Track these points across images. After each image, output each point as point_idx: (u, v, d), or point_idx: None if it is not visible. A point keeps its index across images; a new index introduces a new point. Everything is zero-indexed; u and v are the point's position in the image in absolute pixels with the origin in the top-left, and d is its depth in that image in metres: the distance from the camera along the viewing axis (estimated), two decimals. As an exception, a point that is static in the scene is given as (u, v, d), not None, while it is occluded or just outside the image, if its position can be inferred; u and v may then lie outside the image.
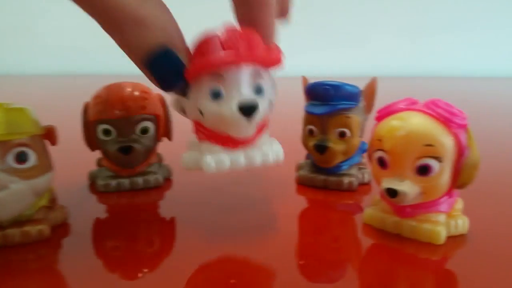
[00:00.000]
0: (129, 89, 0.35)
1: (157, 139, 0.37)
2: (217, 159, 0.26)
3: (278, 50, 0.26)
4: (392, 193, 0.26)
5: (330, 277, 0.24)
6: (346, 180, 0.36)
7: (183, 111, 0.27)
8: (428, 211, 0.27)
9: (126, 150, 0.34)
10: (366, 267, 0.25)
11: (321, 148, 0.35)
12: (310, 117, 0.36)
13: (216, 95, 0.25)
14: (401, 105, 0.27)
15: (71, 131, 0.38)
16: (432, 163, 0.25)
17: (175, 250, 0.27)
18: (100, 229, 0.30)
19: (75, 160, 0.42)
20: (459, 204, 0.28)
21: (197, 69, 0.24)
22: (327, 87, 0.35)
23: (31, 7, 1.63)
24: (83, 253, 0.26)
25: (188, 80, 0.25)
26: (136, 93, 0.35)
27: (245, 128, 0.25)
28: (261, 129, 0.27)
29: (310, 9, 1.55)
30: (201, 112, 0.25)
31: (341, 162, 0.36)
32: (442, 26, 1.55)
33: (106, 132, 0.34)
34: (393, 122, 0.26)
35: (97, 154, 0.38)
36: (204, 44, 0.24)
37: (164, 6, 0.23)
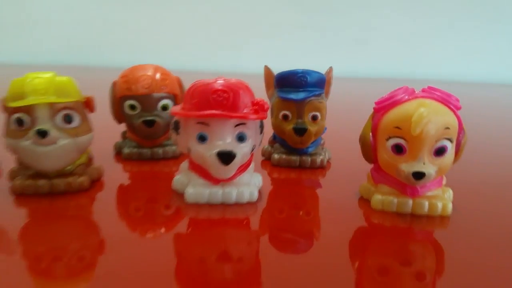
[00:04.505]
0: (152, 70, 0.40)
1: (175, 115, 0.42)
2: (197, 192, 0.31)
3: (263, 106, 0.30)
4: (419, 175, 0.28)
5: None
6: (318, 159, 0.40)
7: (177, 144, 0.32)
8: (433, 188, 0.30)
9: (150, 123, 0.39)
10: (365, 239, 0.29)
11: (301, 131, 0.38)
12: (284, 103, 0.39)
13: (202, 139, 0.29)
14: (405, 95, 0.29)
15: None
16: (447, 144, 0.28)
17: (187, 215, 0.30)
18: (125, 192, 0.35)
19: (100, 134, 0.47)
20: (444, 179, 0.32)
21: (185, 116, 0.29)
22: (303, 74, 0.38)
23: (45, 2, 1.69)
24: (112, 209, 0.31)
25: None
26: (158, 74, 0.40)
27: (223, 171, 0.30)
28: (243, 168, 0.32)
29: (314, 13, 1.61)
30: (188, 150, 0.30)
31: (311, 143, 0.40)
32: (440, 31, 1.59)
33: (132, 107, 0.39)
34: (420, 110, 0.27)
35: (120, 128, 0.43)
36: (198, 95, 0.29)
37: None
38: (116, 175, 0.38)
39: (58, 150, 0.30)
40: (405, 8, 1.59)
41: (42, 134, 0.29)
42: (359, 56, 1.57)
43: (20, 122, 0.29)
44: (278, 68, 0.41)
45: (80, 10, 1.67)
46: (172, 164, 0.41)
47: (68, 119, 0.30)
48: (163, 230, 0.28)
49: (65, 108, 0.30)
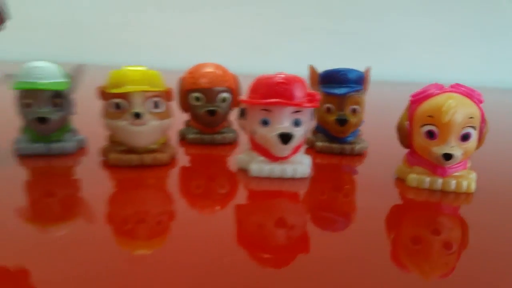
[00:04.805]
0: (214, 67, 0.47)
1: (230, 107, 0.48)
2: (260, 167, 0.37)
3: (315, 97, 0.36)
4: (448, 157, 0.33)
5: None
6: (357, 147, 0.46)
7: (243, 128, 0.38)
8: (460, 169, 0.35)
9: (212, 112, 0.45)
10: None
11: (342, 122, 0.44)
12: (328, 97, 0.45)
13: (265, 123, 0.35)
14: (437, 90, 0.35)
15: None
16: (471, 131, 0.34)
17: (239, 192, 0.37)
18: (187, 172, 0.41)
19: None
20: (469, 162, 0.37)
21: (254, 104, 0.35)
22: (345, 72, 0.45)
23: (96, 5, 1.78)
24: (182, 183, 0.37)
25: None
26: (219, 71, 0.47)
27: (282, 150, 0.36)
28: (296, 149, 0.38)
29: (342, 18, 1.66)
30: (253, 132, 0.36)
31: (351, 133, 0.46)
32: (466, 37, 1.62)
33: (197, 99, 0.46)
34: (449, 101, 0.33)
35: (182, 118, 0.49)
36: (263, 87, 0.35)
37: None
38: (181, 157, 0.44)
39: (149, 129, 0.36)
40: (431, 14, 1.63)
41: (138, 115, 0.35)
42: (385, 61, 1.62)
43: (118, 106, 0.36)
44: (304, 71, 0.47)
45: (117, 14, 1.75)
46: (228, 149, 0.48)
47: (156, 105, 0.37)
48: (228, 199, 0.34)
49: (154, 95, 0.37)
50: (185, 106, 0.47)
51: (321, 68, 0.47)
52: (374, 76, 0.48)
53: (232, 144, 0.49)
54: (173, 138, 0.49)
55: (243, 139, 0.50)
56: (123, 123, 0.36)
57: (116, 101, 0.36)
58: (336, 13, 1.67)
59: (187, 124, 0.50)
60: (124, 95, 0.36)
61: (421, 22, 1.64)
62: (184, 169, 0.40)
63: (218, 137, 0.48)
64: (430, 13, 1.63)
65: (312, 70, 0.47)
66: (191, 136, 0.47)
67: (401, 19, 1.65)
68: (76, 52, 1.68)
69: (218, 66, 0.47)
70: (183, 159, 0.44)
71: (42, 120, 0.39)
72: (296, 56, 1.63)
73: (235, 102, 0.48)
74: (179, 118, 0.50)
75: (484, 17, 1.60)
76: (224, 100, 0.46)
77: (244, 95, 0.38)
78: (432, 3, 1.62)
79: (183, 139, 0.49)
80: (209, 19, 1.74)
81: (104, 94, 0.37)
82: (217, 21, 1.73)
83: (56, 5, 1.77)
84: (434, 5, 1.62)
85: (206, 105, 0.46)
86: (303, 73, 0.46)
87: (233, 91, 0.47)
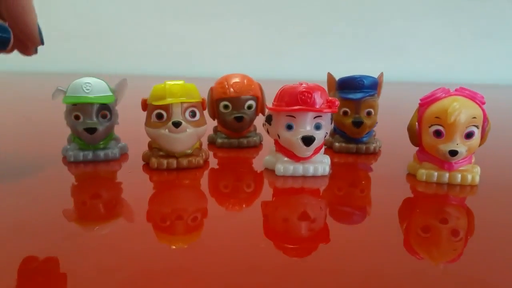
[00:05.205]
0: (241, 78, 0.51)
1: (256, 114, 0.53)
2: (284, 167, 0.41)
3: (334, 103, 0.39)
4: (454, 153, 0.37)
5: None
6: (372, 146, 0.51)
7: (267, 132, 0.43)
8: (465, 164, 0.39)
9: (240, 119, 0.50)
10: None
11: (358, 124, 0.49)
12: (345, 102, 0.49)
13: (289, 127, 0.40)
14: (443, 93, 0.39)
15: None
16: (475, 129, 0.37)
17: (266, 189, 0.40)
18: (217, 173, 0.45)
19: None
20: (473, 157, 0.41)
21: (280, 110, 0.39)
22: (360, 79, 0.49)
23: (109, 15, 1.84)
24: (211, 184, 0.41)
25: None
26: (245, 80, 0.51)
27: (304, 151, 0.40)
28: (317, 150, 0.42)
29: (355, 22, 1.70)
30: (278, 136, 0.41)
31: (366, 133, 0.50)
32: (472, 39, 1.65)
33: (226, 107, 0.51)
34: (454, 104, 0.36)
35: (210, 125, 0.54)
36: (287, 95, 0.39)
37: None
38: (211, 160, 0.48)
39: (186, 136, 0.41)
40: (440, 18, 1.65)
41: (177, 124, 0.40)
42: (397, 63, 1.65)
43: (160, 116, 0.41)
44: (318, 74, 0.50)
45: (145, 25, 1.81)
46: (253, 151, 0.52)
47: (192, 114, 0.41)
48: (256, 196, 0.38)
49: (191, 106, 0.41)
50: (215, 113, 0.52)
51: (335, 70, 0.51)
52: (385, 77, 0.52)
53: (257, 147, 0.54)
54: (203, 143, 0.54)
55: (267, 142, 0.55)
56: (164, 131, 0.41)
57: (158, 112, 0.41)
58: (350, 18, 1.70)
59: (215, 130, 0.55)
60: (165, 107, 0.41)
61: (431, 26, 1.67)
62: (215, 171, 0.45)
63: (244, 141, 0.53)
64: (439, 18, 1.66)
65: (330, 77, 0.52)
66: (219, 140, 0.52)
67: (412, 23, 1.68)
68: (99, 62, 1.75)
69: (244, 76, 0.52)
70: (213, 161, 0.48)
71: (90, 130, 0.43)
72: (312, 60, 1.68)
73: (260, 109, 0.53)
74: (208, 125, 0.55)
75: (490, 20, 1.62)
76: (250, 107, 0.51)
77: (269, 102, 0.42)
78: (440, 8, 1.65)
79: (211, 144, 0.54)
80: (227, 27, 1.78)
81: (147, 106, 0.42)
82: (235, 29, 1.78)
83: (80, 17, 1.84)
84: (442, 10, 1.65)
85: (234, 112, 0.50)
86: (317, 76, 0.50)
87: (258, 98, 0.52)
